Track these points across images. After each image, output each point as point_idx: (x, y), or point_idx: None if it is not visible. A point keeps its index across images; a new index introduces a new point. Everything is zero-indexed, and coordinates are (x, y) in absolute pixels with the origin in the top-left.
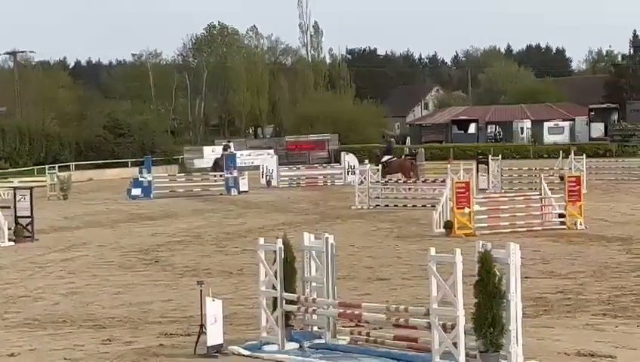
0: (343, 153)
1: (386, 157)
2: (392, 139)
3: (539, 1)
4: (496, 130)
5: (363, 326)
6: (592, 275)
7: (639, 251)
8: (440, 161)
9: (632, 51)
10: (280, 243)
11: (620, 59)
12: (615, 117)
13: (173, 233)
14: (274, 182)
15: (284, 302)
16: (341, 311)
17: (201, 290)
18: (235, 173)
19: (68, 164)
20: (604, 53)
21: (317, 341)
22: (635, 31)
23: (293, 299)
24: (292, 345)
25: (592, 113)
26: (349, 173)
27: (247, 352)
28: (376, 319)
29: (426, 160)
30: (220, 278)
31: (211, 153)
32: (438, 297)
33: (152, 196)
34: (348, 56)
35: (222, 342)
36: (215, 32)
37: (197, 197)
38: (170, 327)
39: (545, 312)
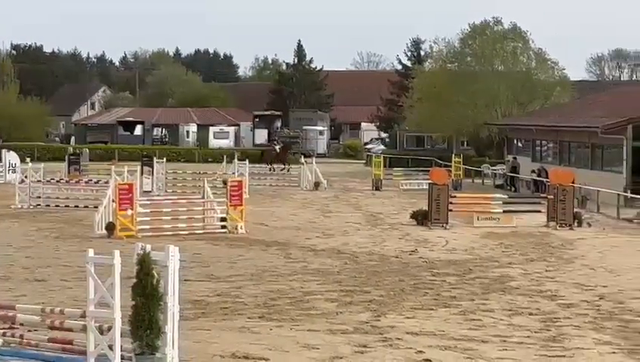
0: (4, 150)
1: None
2: None
3: (206, 5)
4: (162, 132)
5: (17, 328)
6: (251, 279)
7: (296, 256)
8: (105, 161)
9: (296, 60)
10: None
11: (284, 67)
12: (278, 124)
13: None
14: None
15: None
16: None
17: None
18: None
19: None
20: (270, 61)
21: None
22: (299, 41)
23: None
24: None
25: (257, 119)
26: (10, 171)
27: None
28: (30, 321)
29: (90, 160)
30: None
31: None
32: (95, 299)
33: None
34: (13, 51)
35: None
36: None
37: None
38: None
39: (203, 315)
